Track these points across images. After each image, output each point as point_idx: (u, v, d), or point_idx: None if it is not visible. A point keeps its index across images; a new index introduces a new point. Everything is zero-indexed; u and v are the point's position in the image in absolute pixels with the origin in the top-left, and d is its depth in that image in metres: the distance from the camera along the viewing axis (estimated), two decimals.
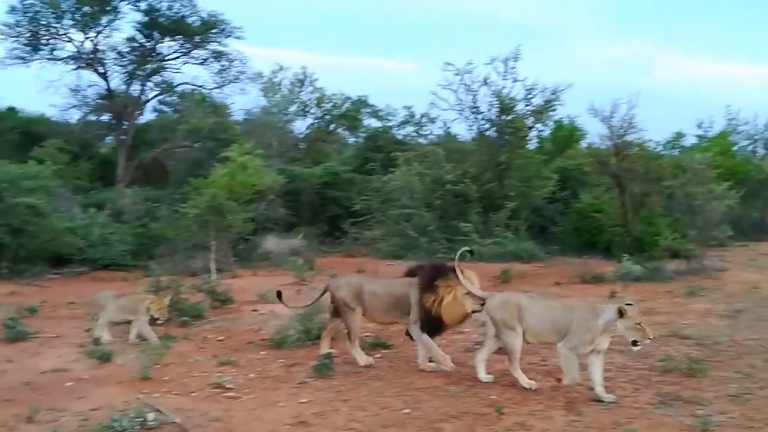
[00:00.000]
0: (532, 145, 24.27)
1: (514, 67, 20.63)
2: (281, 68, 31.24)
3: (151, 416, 6.34)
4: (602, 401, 6.80)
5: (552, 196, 21.02)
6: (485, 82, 20.89)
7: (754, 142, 30.64)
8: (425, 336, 8.08)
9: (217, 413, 6.64)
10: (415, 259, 18.46)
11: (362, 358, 8.38)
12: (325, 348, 8.67)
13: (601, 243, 18.94)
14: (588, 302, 7.72)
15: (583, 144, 25.70)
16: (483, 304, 7.64)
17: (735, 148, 29.46)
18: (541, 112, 21.45)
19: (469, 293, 7.77)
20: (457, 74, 21.03)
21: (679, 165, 20.36)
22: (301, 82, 31.38)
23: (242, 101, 39.90)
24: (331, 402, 6.96)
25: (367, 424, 6.33)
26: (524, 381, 7.35)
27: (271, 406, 6.88)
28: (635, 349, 6.98)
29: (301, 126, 32.56)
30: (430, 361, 8.18)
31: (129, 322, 9.68)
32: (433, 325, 8.01)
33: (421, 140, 25.45)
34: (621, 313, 6.81)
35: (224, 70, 29.12)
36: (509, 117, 20.92)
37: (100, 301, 9.94)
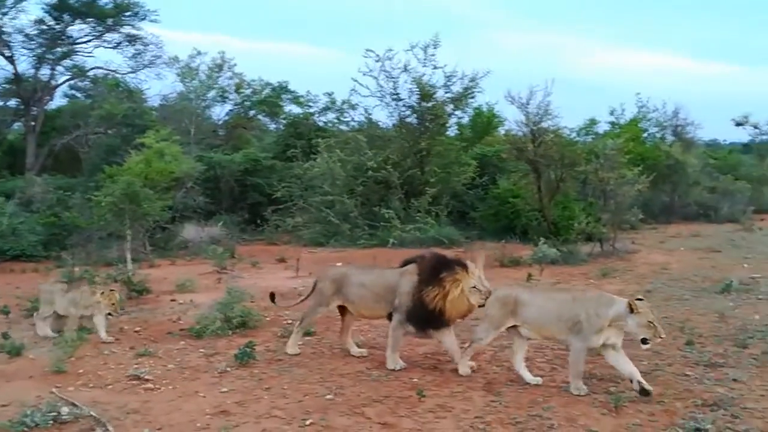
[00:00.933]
0: (452, 131, 24.59)
1: (433, 54, 20.80)
2: (198, 53, 30.48)
3: (65, 410, 6.16)
4: (649, 393, 6.44)
5: (471, 182, 21.33)
6: (405, 69, 20.98)
7: (662, 129, 31.80)
8: (401, 331, 7.66)
9: (135, 405, 6.50)
10: (337, 245, 18.52)
11: (292, 348, 8.24)
12: (352, 347, 8.27)
13: (519, 227, 19.37)
14: (598, 291, 7.24)
15: (501, 131, 26.13)
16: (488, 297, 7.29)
17: (645, 134, 30.55)
18: (460, 99, 21.69)
19: (475, 287, 7.30)
20: (377, 61, 21.05)
21: (593, 151, 21.00)
22: (220, 67, 30.71)
23: (158, 86, 38.92)
24: (253, 390, 6.91)
25: (289, 411, 6.31)
26: (464, 370, 7.32)
27: (190, 396, 6.78)
28: (644, 347, 6.59)
29: (219, 112, 31.96)
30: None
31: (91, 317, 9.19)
32: (432, 320, 7.48)
33: (343, 127, 25.32)
34: (632, 309, 6.48)
35: (139, 54, 28.23)
36: (429, 104, 21.08)
37: (45, 294, 9.44)
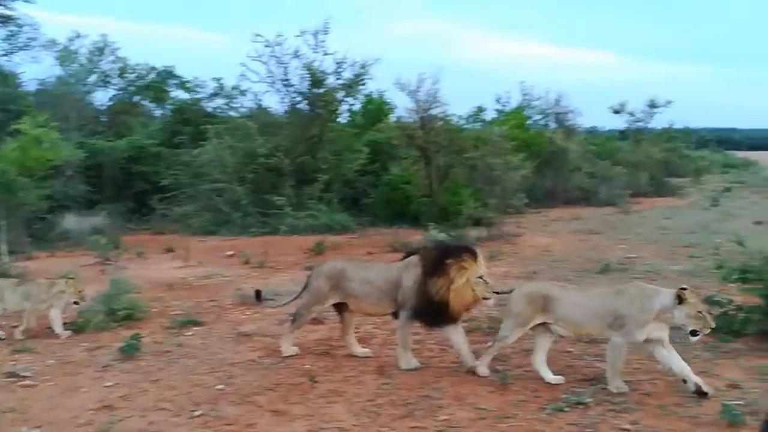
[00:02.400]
0: (344, 118, 24.56)
1: (324, 41, 20.66)
2: (78, 35, 29.00)
3: None
4: (707, 394, 6.02)
5: (363, 168, 21.40)
6: (296, 55, 20.75)
7: (545, 117, 33.00)
8: (408, 328, 7.19)
9: (12, 403, 6.18)
10: (228, 234, 18.18)
11: (289, 348, 7.59)
12: (355, 347, 7.66)
13: (410, 213, 19.62)
14: (637, 283, 6.71)
15: (392, 118, 26.34)
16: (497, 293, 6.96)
17: (529, 122, 31.60)
18: (351, 86, 21.68)
19: (482, 278, 6.85)
20: (267, 46, 20.72)
21: (480, 138, 21.57)
22: (101, 50, 29.35)
23: (35, 70, 36.72)
24: (139, 383, 6.71)
25: (177, 403, 6.17)
26: (482, 371, 6.79)
27: (73, 392, 6.51)
28: (693, 339, 6.19)
29: (102, 97, 30.57)
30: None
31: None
32: (437, 313, 6.94)
33: (232, 113, 24.78)
34: (680, 300, 6.06)
35: (12, 36, 26.51)
36: (320, 90, 20.97)
37: None
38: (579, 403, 5.90)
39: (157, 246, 16.03)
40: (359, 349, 7.67)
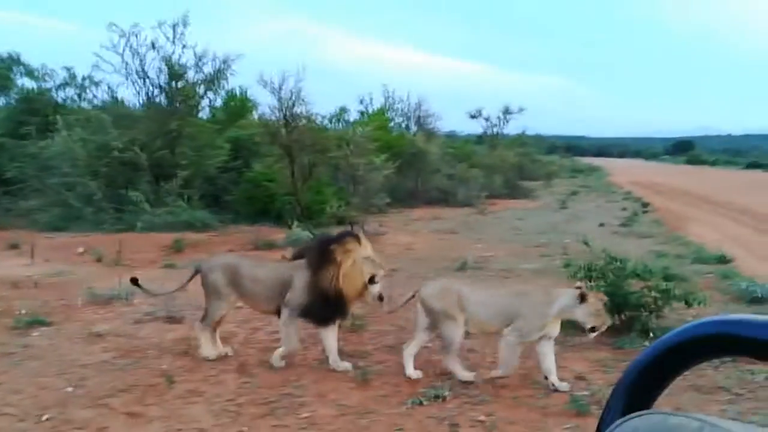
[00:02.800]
0: (205, 114, 24.00)
1: (183, 33, 20.09)
2: None
3: None
4: (559, 390, 6.26)
5: (225, 165, 21.00)
6: (153, 47, 20.05)
7: (407, 119, 33.81)
8: (294, 326, 6.95)
9: None
10: (79, 230, 17.29)
11: (209, 351, 7.15)
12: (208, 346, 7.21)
13: (273, 211, 19.45)
14: (541, 285, 6.95)
15: (255, 115, 26.04)
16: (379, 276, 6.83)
17: (391, 124, 32.23)
18: (212, 81, 21.23)
19: (370, 258, 6.82)
20: (122, 36, 19.87)
21: (343, 138, 21.74)
22: None
23: None
24: None
25: (23, 407, 5.80)
26: (462, 374, 6.54)
27: None
28: (592, 336, 6.46)
29: None
30: None
31: None
32: (332, 306, 6.81)
33: (84, 104, 23.64)
34: (583, 298, 6.28)
35: None
36: (179, 84, 20.38)
37: None
38: (437, 397, 6.08)
39: (0, 242, 14.99)
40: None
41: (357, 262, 6.79)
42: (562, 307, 6.33)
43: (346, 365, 6.94)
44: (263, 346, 7.73)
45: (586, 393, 6.21)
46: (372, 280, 6.86)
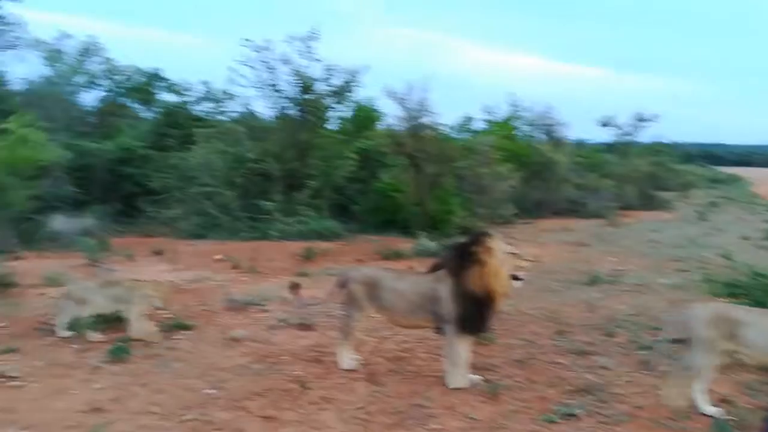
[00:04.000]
0: (333, 125, 24.58)
1: (313, 47, 20.66)
2: (66, 35, 28.89)
3: None
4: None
5: (353, 175, 21.41)
6: (285, 61, 20.74)
7: (534, 128, 33.18)
8: (463, 345, 6.78)
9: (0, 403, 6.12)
10: (217, 238, 18.13)
11: (345, 361, 7.32)
12: (345, 357, 7.38)
13: (399, 221, 19.62)
14: None
15: (382, 125, 26.39)
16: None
17: (517, 132, 31.75)
18: (340, 93, 21.71)
19: (512, 252, 6.72)
20: (255, 51, 20.70)
21: (468, 147, 21.67)
22: (89, 51, 29.24)
23: (22, 70, 36.51)
24: (129, 386, 6.66)
25: (166, 407, 6.13)
26: (707, 408, 6.01)
27: (61, 393, 6.45)
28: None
29: (89, 98, 30.44)
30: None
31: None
32: (484, 309, 6.67)
33: (221, 117, 24.76)
34: None
35: None
36: (309, 96, 20.97)
37: (78, 293, 8.44)
38: (570, 415, 5.93)
39: (145, 249, 15.94)
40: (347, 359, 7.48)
41: (501, 259, 6.61)
42: None
43: (476, 378, 6.87)
44: (393, 355, 7.82)
45: (731, 417, 5.86)
46: (516, 277, 6.72)
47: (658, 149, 36.58)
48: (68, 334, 8.36)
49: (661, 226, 22.41)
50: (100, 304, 8.46)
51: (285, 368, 7.31)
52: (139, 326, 8.33)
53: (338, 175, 21.02)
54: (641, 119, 33.94)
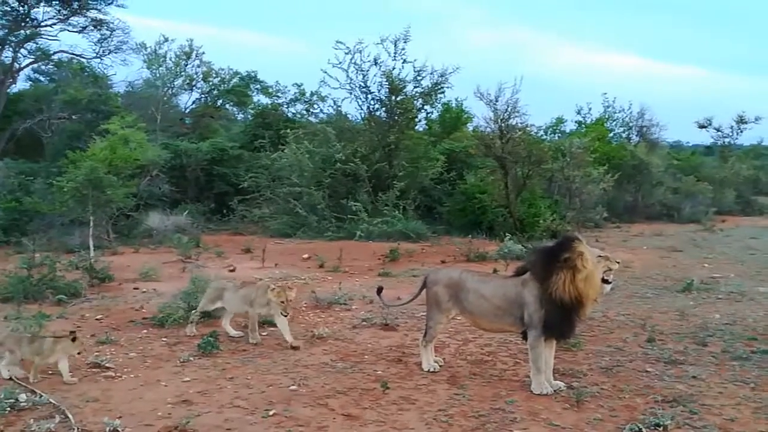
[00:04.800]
0: (421, 126, 24.62)
1: (403, 49, 20.75)
2: (166, 39, 30.08)
3: (23, 397, 6.05)
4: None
5: (439, 177, 21.38)
6: (375, 63, 20.91)
7: (628, 129, 32.29)
8: (541, 348, 6.64)
9: (95, 393, 6.41)
10: (304, 237, 18.44)
11: (427, 363, 7.23)
12: (427, 358, 7.31)
13: (485, 223, 19.47)
14: None
15: (470, 127, 26.24)
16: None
17: (610, 134, 30.96)
18: (429, 94, 21.72)
19: (601, 256, 6.59)
20: (347, 53, 20.95)
21: (559, 149, 21.27)
22: (187, 54, 30.33)
23: (124, 72, 38.28)
24: (216, 380, 6.85)
25: (252, 401, 6.27)
26: None
27: (152, 385, 6.70)
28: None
29: (187, 100, 31.61)
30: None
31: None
32: (576, 314, 6.57)
33: (311, 118, 25.21)
34: None
35: (104, 39, 27.65)
36: (399, 98, 21.06)
37: (216, 293, 8.67)
38: (658, 425, 5.70)
39: (235, 246, 16.40)
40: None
41: (594, 263, 6.47)
42: None
43: (559, 384, 6.73)
44: (474, 358, 7.74)
45: None
46: (606, 280, 6.60)
47: (760, 152, 34.94)
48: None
49: (761, 232, 21.36)
50: (233, 302, 8.56)
51: (367, 367, 7.35)
52: (251, 326, 8.40)
53: (425, 177, 21.03)
54: (742, 121, 32.50)
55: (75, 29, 27.23)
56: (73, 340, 6.84)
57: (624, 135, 31.99)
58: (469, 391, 6.63)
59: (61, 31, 27.08)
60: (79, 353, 7.00)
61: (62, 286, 10.59)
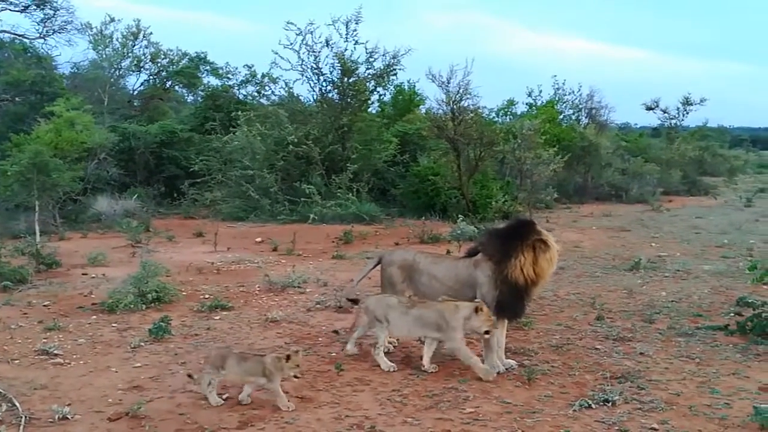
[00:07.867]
0: (374, 108, 24.54)
1: (355, 30, 20.61)
2: (112, 20, 29.30)
3: None
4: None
5: (392, 159, 21.37)
6: (327, 44, 20.72)
7: (577, 112, 32.70)
8: (499, 330, 6.76)
9: (44, 380, 6.29)
10: (257, 220, 18.30)
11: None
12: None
13: (438, 205, 19.53)
14: None
15: (422, 109, 26.24)
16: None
17: (560, 116, 31.30)
18: (382, 76, 21.65)
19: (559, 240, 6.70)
20: (298, 34, 20.71)
21: (510, 131, 21.42)
22: (135, 35, 29.61)
23: (69, 53, 37.18)
24: (168, 365, 6.78)
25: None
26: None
27: (102, 371, 6.60)
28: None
29: (134, 82, 30.90)
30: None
31: None
32: (527, 297, 6.70)
33: (263, 101, 24.85)
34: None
35: (48, 19, 26.79)
36: (351, 80, 20.94)
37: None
38: (607, 401, 5.84)
39: (186, 230, 16.18)
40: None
41: (552, 247, 6.54)
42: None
43: (511, 363, 6.83)
44: None
45: None
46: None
47: (705, 134, 35.76)
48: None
49: (706, 212, 21.92)
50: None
51: (321, 350, 7.37)
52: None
53: (378, 159, 21.00)
54: (688, 103, 33.21)
55: (17, 9, 26.28)
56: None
57: (574, 117, 32.37)
58: (423, 372, 6.68)
59: (1, 10, 26.19)
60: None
61: (8, 272, 10.33)
